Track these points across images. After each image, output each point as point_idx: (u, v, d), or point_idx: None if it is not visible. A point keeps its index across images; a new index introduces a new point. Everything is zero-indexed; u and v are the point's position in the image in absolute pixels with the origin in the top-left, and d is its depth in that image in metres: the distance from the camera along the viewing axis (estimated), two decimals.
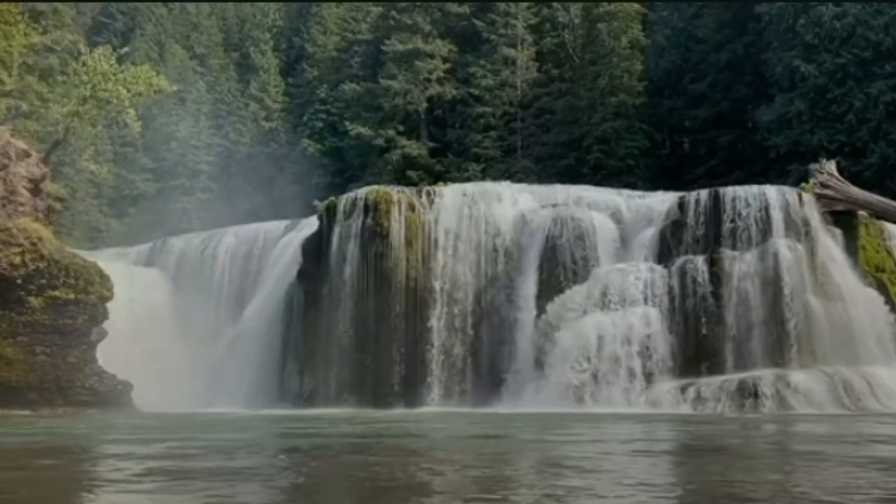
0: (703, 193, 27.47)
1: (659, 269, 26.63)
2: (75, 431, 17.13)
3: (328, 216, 29.76)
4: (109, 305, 28.29)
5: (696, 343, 25.58)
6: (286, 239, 33.19)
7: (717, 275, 25.77)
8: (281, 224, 35.00)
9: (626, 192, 31.40)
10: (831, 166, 27.92)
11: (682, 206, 27.45)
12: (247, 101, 60.66)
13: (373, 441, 13.93)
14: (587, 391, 25.17)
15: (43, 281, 27.05)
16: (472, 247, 28.32)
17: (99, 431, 17.54)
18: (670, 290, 26.05)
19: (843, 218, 26.91)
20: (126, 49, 38.38)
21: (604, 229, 27.98)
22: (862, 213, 27.25)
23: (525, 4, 52.10)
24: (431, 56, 52.77)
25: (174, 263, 35.08)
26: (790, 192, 27.16)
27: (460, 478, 8.78)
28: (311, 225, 31.53)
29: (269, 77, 61.12)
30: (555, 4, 52.30)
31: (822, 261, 25.94)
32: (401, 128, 52.37)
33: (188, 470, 9.42)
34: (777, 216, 26.28)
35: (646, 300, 26.10)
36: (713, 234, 26.51)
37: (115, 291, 28.48)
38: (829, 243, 26.33)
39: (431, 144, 52.57)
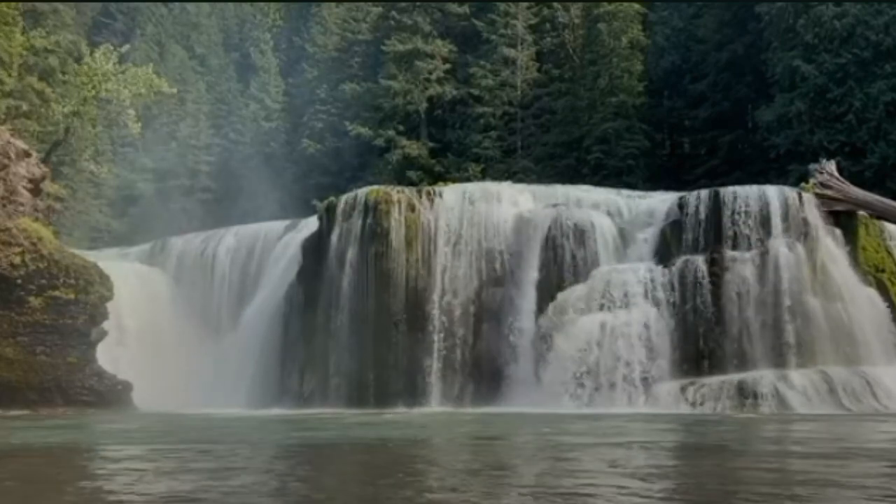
0: (703, 193, 27.45)
1: (659, 269, 26.62)
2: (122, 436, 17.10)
3: (328, 216, 29.74)
4: (110, 305, 28.28)
5: (696, 343, 25.57)
6: (286, 239, 33.17)
7: (717, 275, 25.76)
8: (281, 224, 34.97)
9: (626, 192, 31.39)
10: (831, 166, 27.91)
11: (682, 206, 27.44)
12: (247, 101, 60.64)
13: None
14: (587, 391, 25.17)
15: (43, 281, 27.05)
16: (472, 247, 28.31)
17: (146, 437, 17.50)
18: (670, 290, 26.04)
19: (843, 218, 26.91)
20: (127, 46, 38.30)
21: (604, 229, 27.98)
22: (862, 213, 27.25)
23: (525, 4, 52.04)
24: (431, 56, 52.74)
25: (174, 263, 35.07)
26: (790, 192, 27.14)
27: None
28: (311, 225, 31.52)
29: (269, 77, 61.09)
30: (555, 4, 52.24)
31: (822, 261, 25.93)
32: (401, 128, 52.33)
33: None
34: (777, 216, 26.27)
35: (645, 300, 26.10)
36: (713, 234, 26.49)
37: (115, 291, 28.47)
38: (829, 243, 26.32)
39: (431, 144, 52.52)
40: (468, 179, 42.52)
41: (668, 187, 33.03)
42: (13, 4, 35.35)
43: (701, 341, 25.51)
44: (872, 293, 25.95)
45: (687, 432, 15.81)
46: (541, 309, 26.87)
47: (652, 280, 26.35)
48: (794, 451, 12.03)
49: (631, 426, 17.02)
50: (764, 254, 25.82)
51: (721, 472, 9.22)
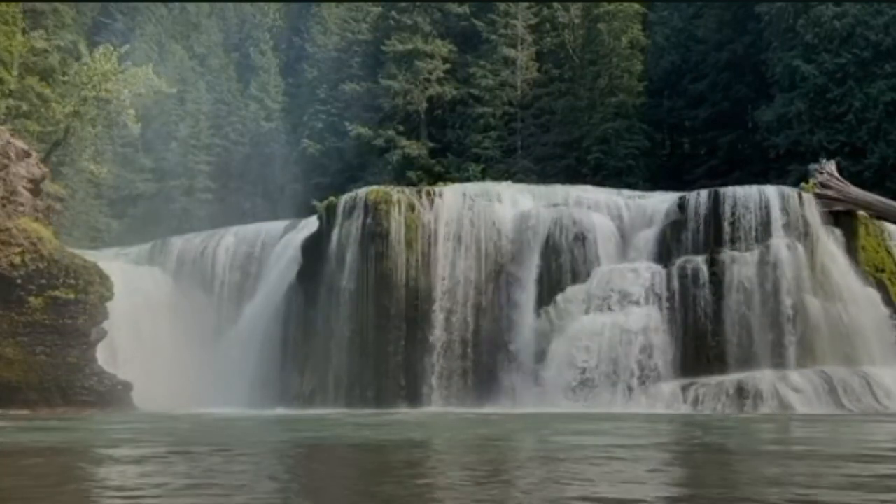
0: (703, 193, 27.47)
1: (659, 269, 26.63)
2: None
3: (328, 216, 29.76)
4: (109, 305, 28.27)
5: (696, 343, 25.58)
6: (286, 239, 33.18)
7: (717, 275, 25.78)
8: (281, 224, 34.99)
9: (626, 192, 31.39)
10: (831, 166, 27.92)
11: (682, 206, 27.45)
12: (247, 101, 60.56)
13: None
14: (587, 391, 25.18)
15: (43, 281, 27.05)
16: (472, 247, 28.31)
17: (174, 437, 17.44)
18: (670, 290, 26.05)
19: (843, 218, 26.92)
20: (127, 46, 38.29)
21: (604, 229, 27.98)
22: (862, 213, 27.25)
23: (525, 4, 52.00)
24: (431, 56, 52.70)
25: (174, 263, 35.07)
26: (790, 192, 27.15)
27: None
28: (311, 225, 31.53)
29: (269, 77, 61.03)
30: (555, 4, 52.20)
31: (821, 261, 25.94)
32: (401, 128, 52.29)
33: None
34: (777, 216, 26.28)
35: (646, 300, 26.10)
36: (713, 234, 26.50)
37: (116, 291, 28.46)
38: (829, 243, 26.33)
39: (431, 144, 52.48)
40: (468, 179, 42.51)
41: (668, 187, 33.03)
42: (13, 4, 35.34)
43: (701, 341, 25.53)
44: (872, 293, 25.97)
45: (706, 434, 15.53)
46: (541, 309, 26.88)
47: (652, 280, 26.36)
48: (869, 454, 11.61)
49: (639, 427, 16.87)
50: (764, 254, 25.82)
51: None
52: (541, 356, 26.20)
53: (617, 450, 11.78)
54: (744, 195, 26.76)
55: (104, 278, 28.24)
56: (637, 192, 31.48)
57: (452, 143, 52.02)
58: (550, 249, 27.58)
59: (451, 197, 29.36)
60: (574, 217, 27.96)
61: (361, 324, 28.05)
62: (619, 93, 47.05)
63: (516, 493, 7.68)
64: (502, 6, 51.75)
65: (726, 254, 26.02)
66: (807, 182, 27.70)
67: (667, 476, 9.18)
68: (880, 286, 26.26)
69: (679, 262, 26.43)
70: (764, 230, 26.20)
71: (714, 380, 24.70)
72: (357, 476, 9.44)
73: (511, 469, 9.84)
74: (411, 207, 28.66)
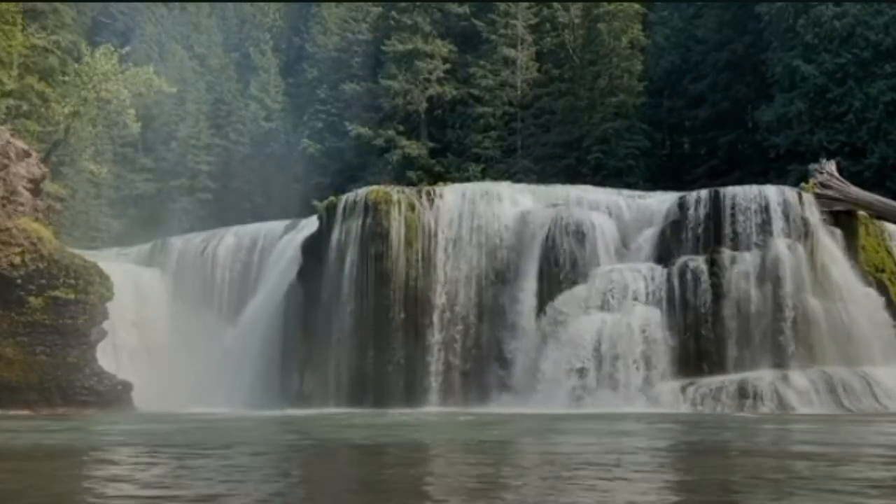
0: (703, 193, 27.46)
1: (659, 269, 26.62)
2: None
3: (328, 216, 29.75)
4: (109, 305, 28.27)
5: (696, 343, 25.57)
6: (286, 239, 33.18)
7: (717, 275, 25.76)
8: (281, 224, 34.99)
9: (626, 192, 31.37)
10: (831, 166, 27.92)
11: (682, 206, 27.44)
12: (247, 101, 60.57)
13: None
14: (587, 391, 25.17)
15: (43, 281, 27.04)
16: (471, 247, 28.30)
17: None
18: (670, 290, 26.04)
19: (843, 218, 26.92)
20: (127, 48, 38.30)
21: (604, 229, 27.96)
22: (862, 213, 27.24)
23: (525, 4, 52.00)
24: (431, 56, 52.69)
25: (174, 263, 35.07)
26: (790, 192, 27.15)
27: None
28: (311, 225, 31.53)
29: (269, 77, 61.04)
30: (555, 4, 52.18)
31: (821, 261, 25.94)
32: (401, 128, 52.28)
33: None
34: (777, 216, 26.28)
35: (646, 300, 26.09)
36: (713, 234, 26.49)
37: (116, 292, 28.46)
38: (829, 243, 26.33)
39: (431, 144, 52.47)
40: (468, 179, 42.50)
41: (668, 187, 33.02)
42: (13, 4, 35.32)
43: (701, 341, 25.51)
44: (872, 293, 25.97)
45: (721, 434, 15.34)
46: (541, 309, 26.87)
47: (652, 280, 26.35)
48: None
49: (645, 427, 16.76)
50: (764, 254, 25.81)
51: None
52: (541, 356, 26.18)
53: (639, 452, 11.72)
54: (744, 195, 26.76)
55: (104, 278, 28.24)
56: (637, 192, 31.47)
57: (452, 143, 52.02)
58: (550, 249, 27.57)
59: (451, 197, 29.34)
60: (574, 217, 27.95)
61: (361, 324, 28.03)
62: (619, 93, 47.06)
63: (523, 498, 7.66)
64: (502, 6, 51.74)
65: (726, 254, 26.01)
66: (807, 182, 27.70)
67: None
68: (880, 286, 26.26)
69: (679, 262, 26.42)
70: (764, 230, 26.20)
71: (714, 380, 24.69)
72: (362, 480, 9.41)
73: (517, 473, 9.81)
74: (411, 207, 28.65)
